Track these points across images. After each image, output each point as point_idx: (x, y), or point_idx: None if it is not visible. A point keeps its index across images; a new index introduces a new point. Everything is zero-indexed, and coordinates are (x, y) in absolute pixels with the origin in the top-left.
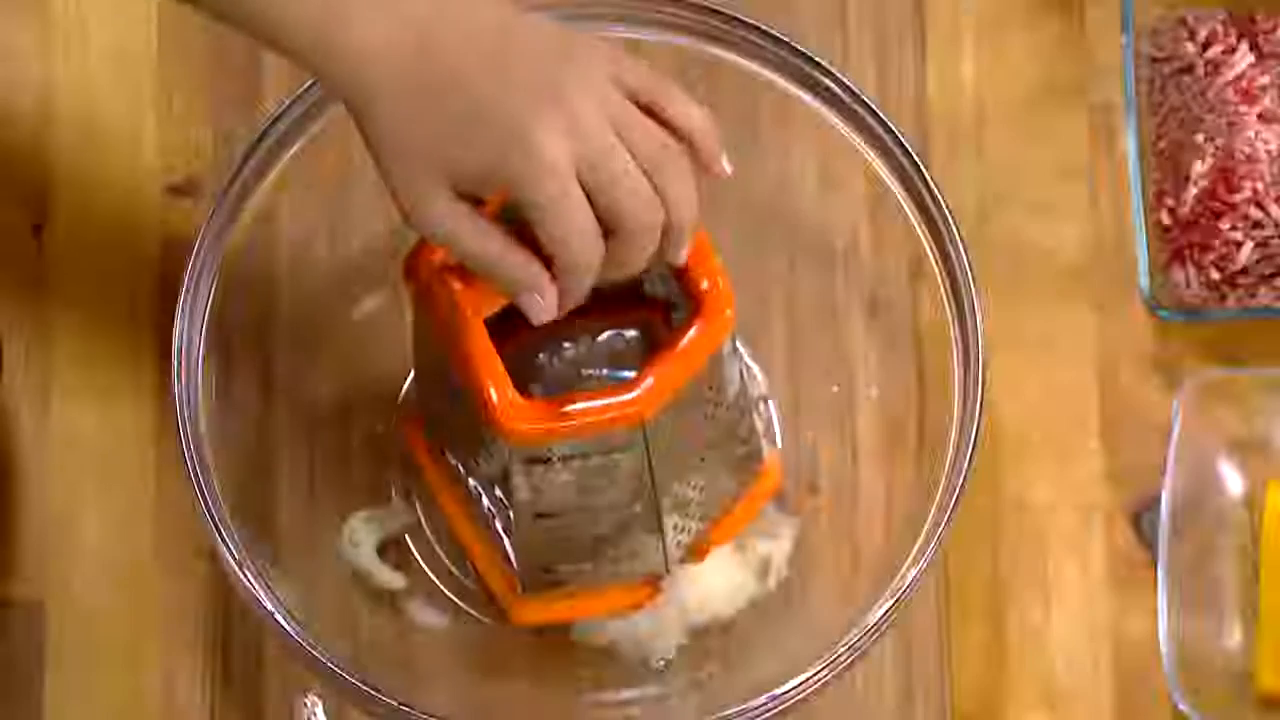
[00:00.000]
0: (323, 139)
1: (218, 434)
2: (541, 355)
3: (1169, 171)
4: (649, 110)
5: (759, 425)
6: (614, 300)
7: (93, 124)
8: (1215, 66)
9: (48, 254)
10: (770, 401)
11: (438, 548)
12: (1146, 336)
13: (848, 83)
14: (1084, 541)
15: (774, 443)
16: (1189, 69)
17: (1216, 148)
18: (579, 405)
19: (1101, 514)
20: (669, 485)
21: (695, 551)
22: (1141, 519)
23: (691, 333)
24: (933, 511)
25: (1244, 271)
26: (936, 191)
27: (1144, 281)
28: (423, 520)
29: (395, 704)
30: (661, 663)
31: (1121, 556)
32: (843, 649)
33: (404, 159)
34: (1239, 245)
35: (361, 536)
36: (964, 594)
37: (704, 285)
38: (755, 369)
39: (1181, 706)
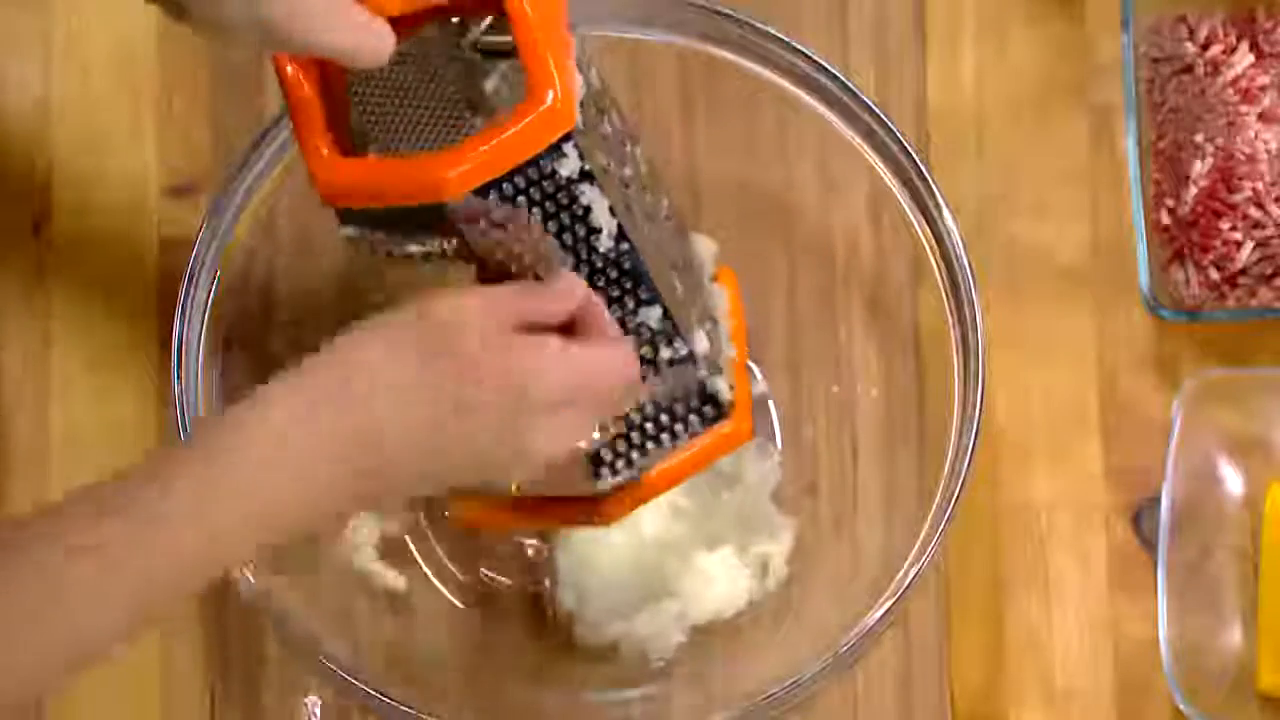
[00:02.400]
0: None
1: None
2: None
3: (1169, 171)
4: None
5: (723, 361)
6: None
7: (93, 124)
8: (1215, 66)
9: (48, 254)
10: (770, 401)
11: (438, 548)
12: (1146, 336)
13: (848, 83)
14: (1084, 541)
15: (741, 400)
16: (1189, 69)
17: (1216, 148)
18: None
19: (1101, 514)
20: None
21: (629, 492)
22: (1141, 519)
23: (515, 115)
24: (933, 511)
25: (1244, 271)
26: (936, 192)
27: (1144, 281)
28: (422, 519)
29: (395, 704)
30: (661, 663)
31: (1121, 556)
32: (843, 649)
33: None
34: (1239, 245)
35: (361, 537)
36: (964, 594)
37: (534, 75)
38: (756, 371)
39: (1181, 706)
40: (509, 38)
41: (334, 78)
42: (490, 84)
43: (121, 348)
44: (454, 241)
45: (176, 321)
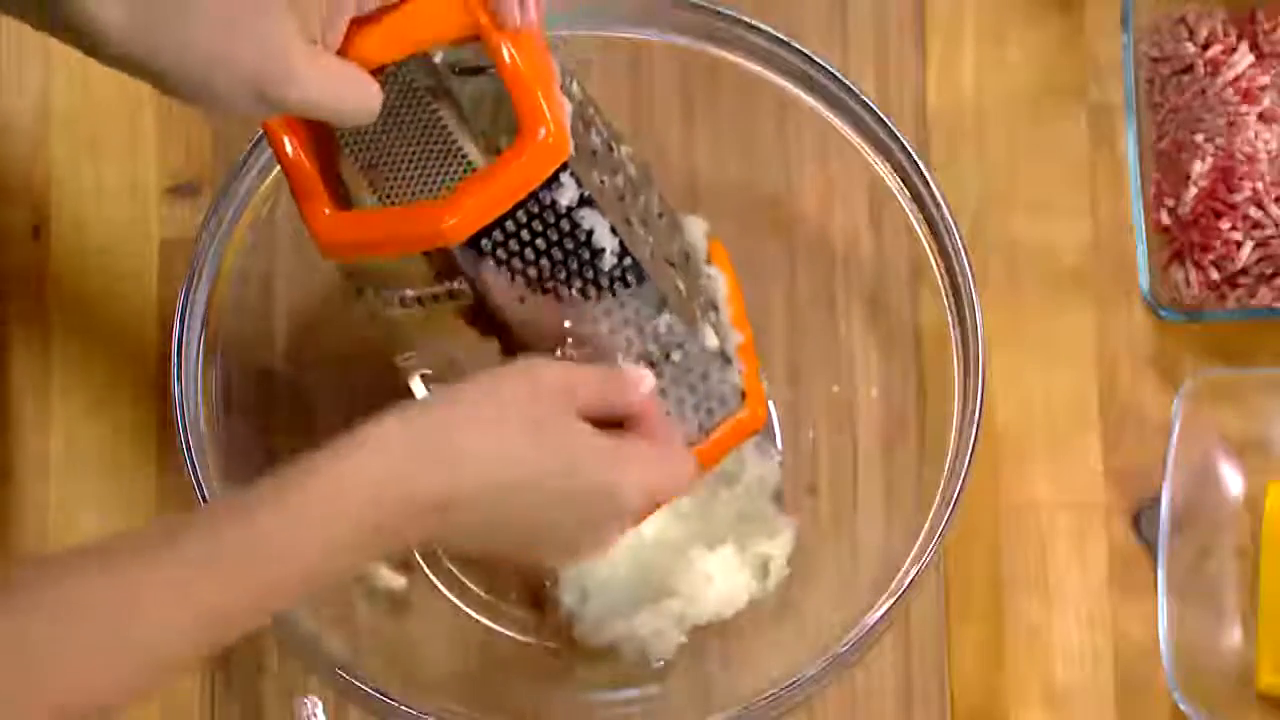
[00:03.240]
0: None
1: (218, 434)
2: None
3: (1169, 171)
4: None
5: (730, 349)
6: None
7: (93, 124)
8: (1215, 66)
9: (48, 254)
10: (770, 401)
11: (438, 548)
12: (1146, 336)
13: (848, 83)
14: (1084, 541)
15: (752, 385)
16: (1189, 69)
17: (1216, 148)
18: (380, 215)
19: (1101, 514)
20: None
21: None
22: (1141, 519)
23: (507, 155)
24: (933, 511)
25: (1244, 271)
26: (936, 191)
27: (1144, 281)
28: None
29: (395, 704)
30: (661, 663)
31: (1121, 556)
32: (843, 649)
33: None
34: (1239, 245)
35: None
36: (964, 594)
37: (524, 113)
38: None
39: (1182, 706)
40: (481, 60)
41: (320, 127)
42: (467, 98)
43: (122, 349)
44: (460, 281)
45: (176, 322)
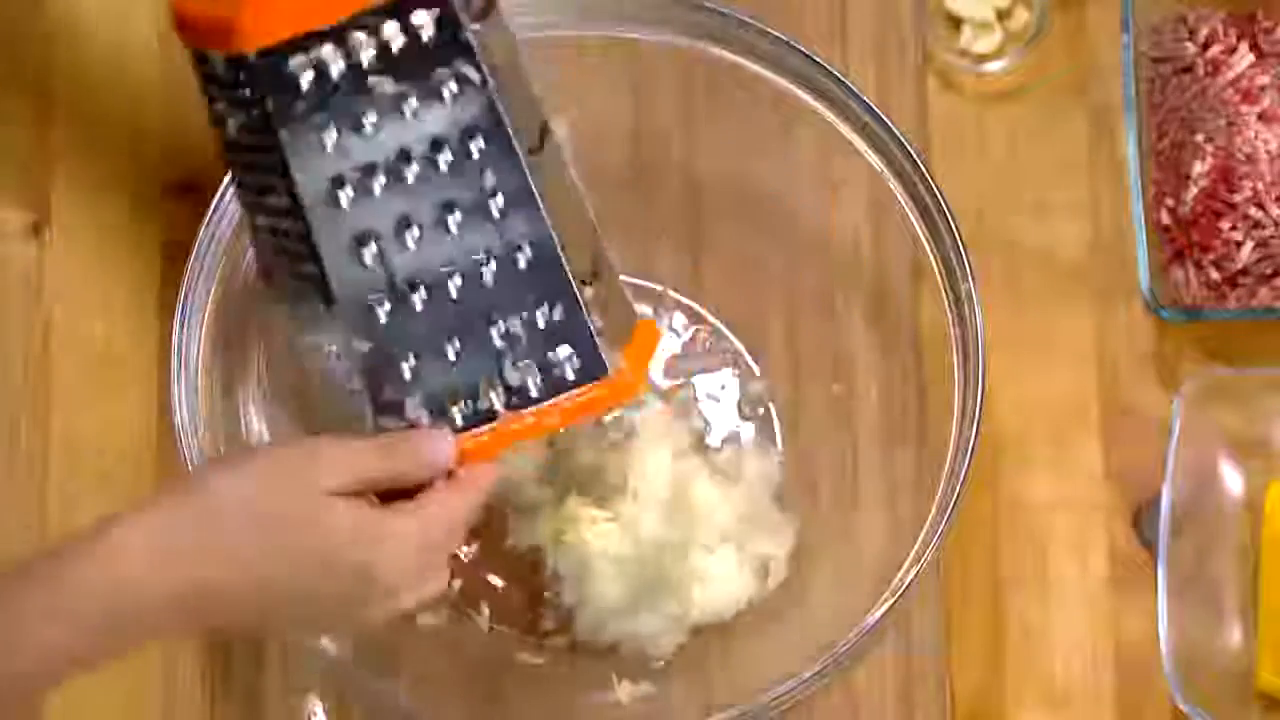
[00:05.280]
0: None
1: (218, 434)
2: None
3: (1169, 171)
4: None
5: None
6: None
7: (93, 123)
8: (1215, 66)
9: (48, 254)
10: (770, 402)
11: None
12: (1146, 336)
13: (848, 83)
14: (1084, 541)
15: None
16: (1189, 69)
17: (1216, 148)
18: None
19: (1101, 514)
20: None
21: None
22: (1141, 519)
23: None
24: (933, 511)
25: (1244, 271)
26: (936, 191)
27: (1144, 281)
28: None
29: (395, 704)
30: (661, 663)
31: (1121, 556)
32: (843, 649)
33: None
34: (1239, 245)
35: None
36: (964, 594)
37: None
38: (756, 369)
39: (1182, 706)
40: None
41: None
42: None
43: (122, 350)
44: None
45: (176, 324)
